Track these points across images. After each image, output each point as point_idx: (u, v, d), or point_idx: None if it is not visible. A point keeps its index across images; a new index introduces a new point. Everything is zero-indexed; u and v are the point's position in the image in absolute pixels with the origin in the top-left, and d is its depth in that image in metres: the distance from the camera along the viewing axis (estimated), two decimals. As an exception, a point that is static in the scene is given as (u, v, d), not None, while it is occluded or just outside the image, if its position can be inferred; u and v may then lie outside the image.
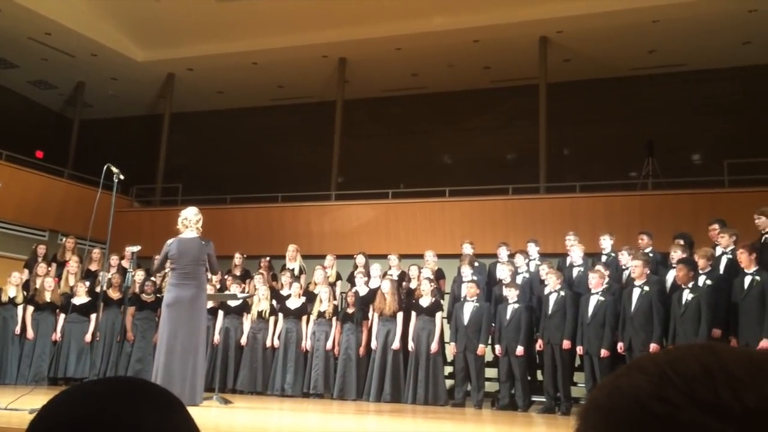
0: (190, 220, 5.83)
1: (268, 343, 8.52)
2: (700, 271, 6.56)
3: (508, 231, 10.33)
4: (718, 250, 7.07)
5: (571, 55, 12.30)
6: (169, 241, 5.82)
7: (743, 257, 6.37)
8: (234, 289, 8.61)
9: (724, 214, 7.61)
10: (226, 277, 9.22)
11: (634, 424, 0.46)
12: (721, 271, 6.86)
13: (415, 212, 11.70)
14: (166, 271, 6.20)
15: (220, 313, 8.60)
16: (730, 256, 6.88)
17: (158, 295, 8.58)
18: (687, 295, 6.41)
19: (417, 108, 14.25)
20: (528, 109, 12.55)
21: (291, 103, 14.93)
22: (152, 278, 8.88)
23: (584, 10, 10.97)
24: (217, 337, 8.39)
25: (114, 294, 8.84)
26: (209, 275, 6.07)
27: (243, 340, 8.59)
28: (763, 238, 6.85)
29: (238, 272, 9.70)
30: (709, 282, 6.49)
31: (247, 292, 8.93)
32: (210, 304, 7.59)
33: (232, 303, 8.49)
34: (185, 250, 5.70)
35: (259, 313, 8.62)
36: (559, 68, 12.29)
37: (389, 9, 11.63)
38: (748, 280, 6.28)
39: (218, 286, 8.98)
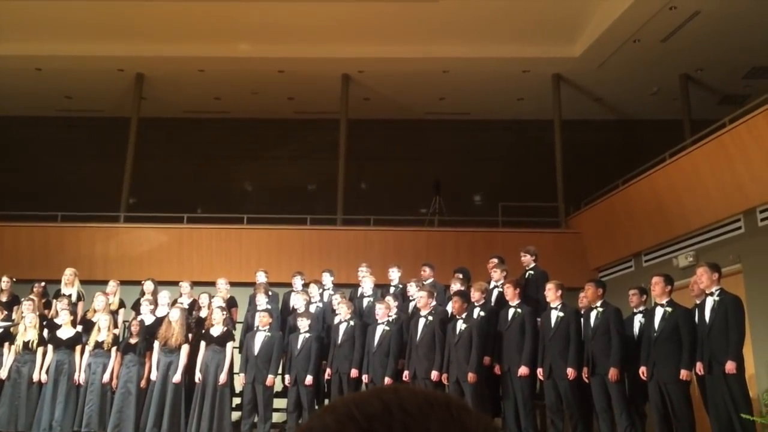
0: None
1: (35, 377, 7.70)
2: (475, 303, 7.15)
3: (305, 261, 10.45)
4: (492, 284, 7.79)
5: (371, 94, 12.92)
6: None
7: (509, 291, 7.06)
8: (-4, 316, 7.69)
9: (498, 251, 8.38)
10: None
11: None
12: (493, 303, 7.55)
13: (211, 238, 11.38)
14: None
15: (-23, 344, 7.62)
16: (501, 290, 7.59)
17: None
18: (460, 325, 6.93)
19: (218, 132, 13.97)
20: (329, 142, 12.89)
21: (79, 116, 13.84)
22: None
23: (384, 54, 11.61)
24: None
25: None
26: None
27: (2, 374, 7.67)
28: (527, 273, 7.68)
29: (4, 298, 8.67)
30: (482, 313, 7.09)
31: (13, 320, 8.02)
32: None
33: (-7, 333, 7.57)
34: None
35: (26, 344, 7.77)
36: (359, 106, 12.83)
37: (193, 28, 11.33)
38: (511, 312, 6.97)
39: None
